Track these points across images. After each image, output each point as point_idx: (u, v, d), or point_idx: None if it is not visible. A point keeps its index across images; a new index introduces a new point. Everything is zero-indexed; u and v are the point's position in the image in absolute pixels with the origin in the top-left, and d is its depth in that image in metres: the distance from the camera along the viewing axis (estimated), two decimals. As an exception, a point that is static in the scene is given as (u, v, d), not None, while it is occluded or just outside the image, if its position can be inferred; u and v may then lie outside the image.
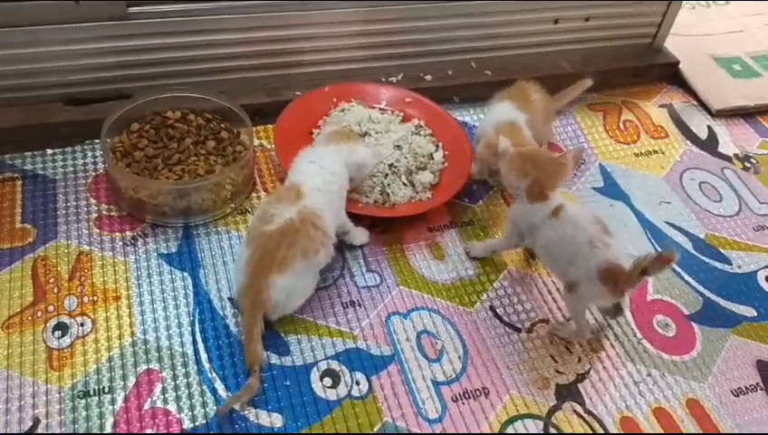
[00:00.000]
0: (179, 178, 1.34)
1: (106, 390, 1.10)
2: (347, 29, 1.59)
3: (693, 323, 1.34)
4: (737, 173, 1.70)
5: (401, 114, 1.60)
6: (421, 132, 1.56)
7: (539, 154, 1.29)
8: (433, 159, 1.51)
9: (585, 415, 1.18)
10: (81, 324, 1.18)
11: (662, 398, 1.22)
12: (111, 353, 1.15)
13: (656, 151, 1.71)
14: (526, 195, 1.23)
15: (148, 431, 1.06)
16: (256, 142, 1.53)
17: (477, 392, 1.18)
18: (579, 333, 1.27)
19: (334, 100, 1.59)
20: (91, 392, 1.10)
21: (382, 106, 1.61)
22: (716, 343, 1.32)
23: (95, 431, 1.05)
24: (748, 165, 1.73)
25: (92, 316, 1.19)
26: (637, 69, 1.88)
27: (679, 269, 1.43)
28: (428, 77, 1.71)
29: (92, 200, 1.37)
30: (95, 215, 1.35)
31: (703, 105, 1.87)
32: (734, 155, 1.75)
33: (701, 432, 1.17)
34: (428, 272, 1.35)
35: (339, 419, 1.12)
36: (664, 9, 1.83)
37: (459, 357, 1.22)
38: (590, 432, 1.15)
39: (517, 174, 1.23)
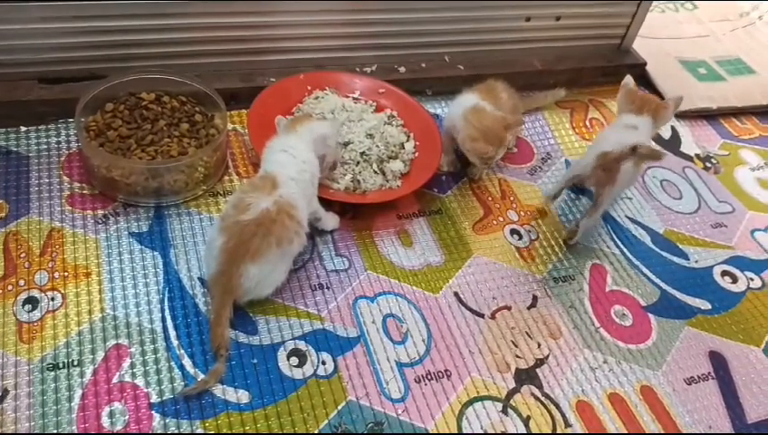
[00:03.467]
0: (152, 159, 1.35)
1: (75, 363, 1.12)
2: (324, 18, 1.61)
3: (649, 314, 1.39)
4: (698, 172, 1.75)
5: (374, 104, 1.63)
6: (393, 122, 1.59)
7: (648, 95, 1.63)
8: (404, 148, 1.54)
9: (543, 398, 1.22)
10: (52, 299, 1.19)
11: (617, 384, 1.26)
12: (81, 328, 1.16)
13: (620, 149, 1.76)
14: (623, 109, 1.50)
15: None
16: (230, 127, 1.54)
17: (440, 374, 1.21)
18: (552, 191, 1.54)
19: (309, 87, 1.61)
20: (61, 365, 1.11)
21: (356, 95, 1.64)
22: (671, 334, 1.37)
23: (64, 403, 1.07)
24: (709, 165, 1.78)
25: (63, 291, 1.20)
26: (605, 69, 1.92)
27: (638, 262, 1.48)
28: (402, 69, 1.74)
29: (65, 178, 1.38)
30: (67, 192, 1.36)
31: (668, 106, 1.92)
32: (696, 155, 1.80)
33: (659, 433, 1.22)
34: (396, 258, 1.38)
35: (304, 396, 1.14)
36: (633, 11, 1.87)
37: (423, 340, 1.26)
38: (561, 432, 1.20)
39: (627, 101, 1.48)
